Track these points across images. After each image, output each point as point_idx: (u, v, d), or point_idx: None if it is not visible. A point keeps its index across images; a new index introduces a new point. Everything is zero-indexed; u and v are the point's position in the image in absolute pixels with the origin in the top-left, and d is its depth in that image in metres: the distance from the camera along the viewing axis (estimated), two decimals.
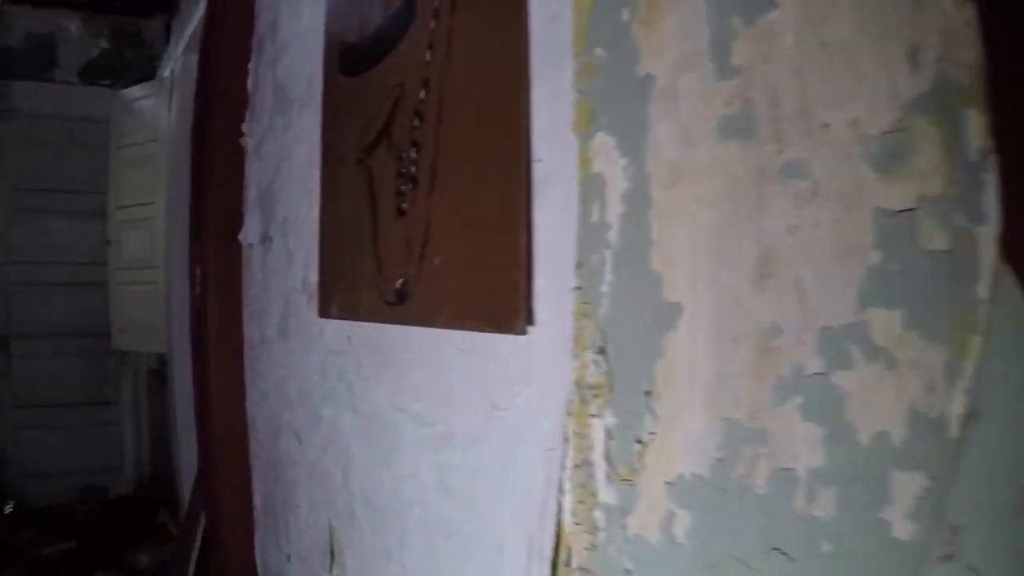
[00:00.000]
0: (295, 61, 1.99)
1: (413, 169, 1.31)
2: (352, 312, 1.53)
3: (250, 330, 2.29)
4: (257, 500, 2.37)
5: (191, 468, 3.60)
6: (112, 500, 5.15)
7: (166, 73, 4.42)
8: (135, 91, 4.47)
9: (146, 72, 4.95)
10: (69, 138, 5.03)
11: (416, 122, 1.32)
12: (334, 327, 1.65)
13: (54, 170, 4.97)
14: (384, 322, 1.40)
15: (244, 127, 2.39)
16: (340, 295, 1.58)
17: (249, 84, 2.40)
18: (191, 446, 3.58)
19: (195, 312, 2.40)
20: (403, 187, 1.34)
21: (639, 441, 0.90)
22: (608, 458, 0.96)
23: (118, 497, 5.19)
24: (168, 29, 4.78)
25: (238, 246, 2.34)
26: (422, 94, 1.31)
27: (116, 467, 5.26)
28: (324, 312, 1.65)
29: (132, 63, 5.19)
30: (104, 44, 5.23)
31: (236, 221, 2.34)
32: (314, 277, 1.73)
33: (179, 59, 4.03)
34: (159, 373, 4.78)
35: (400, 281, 1.32)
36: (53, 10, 5.01)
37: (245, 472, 2.43)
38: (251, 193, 2.29)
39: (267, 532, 2.33)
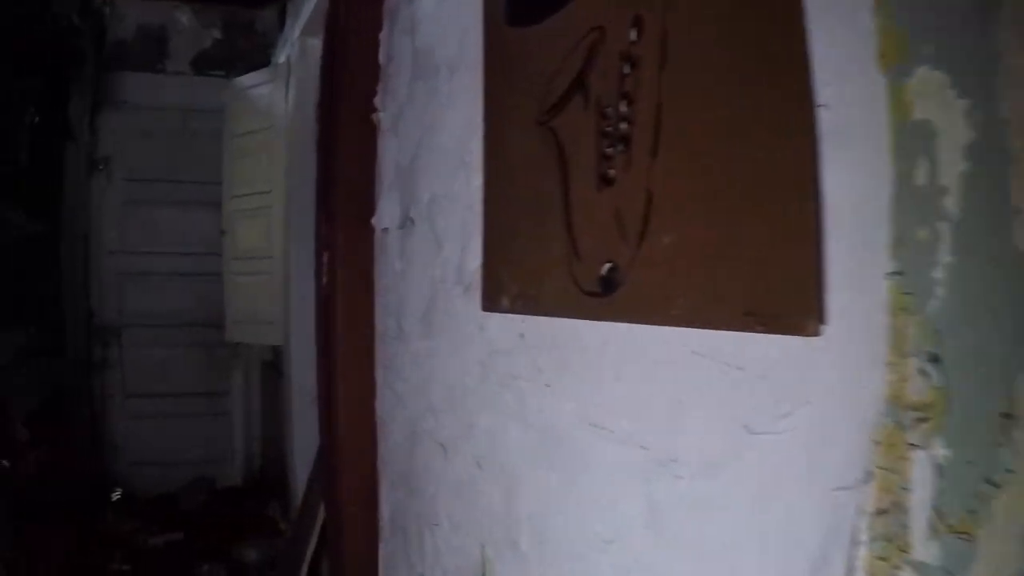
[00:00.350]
0: (441, 20, 1.76)
1: (624, 127, 1.04)
2: (530, 304, 1.27)
3: (384, 323, 2.08)
4: (385, 511, 2.16)
5: (305, 464, 3.46)
6: (220, 491, 5.12)
7: (281, 59, 4.31)
8: (249, 79, 4.37)
9: (259, 60, 4.88)
10: (182, 128, 5.02)
11: (626, 69, 1.06)
12: (500, 322, 1.40)
13: (167, 161, 4.97)
14: (580, 317, 1.14)
15: (376, 102, 2.18)
16: (513, 284, 1.32)
17: (381, 56, 2.19)
18: (305, 441, 3.46)
19: (322, 303, 2.21)
20: (609, 150, 1.07)
21: (989, 481, 0.63)
22: (935, 502, 0.69)
23: (226, 489, 5.16)
24: (282, 16, 4.68)
25: (370, 232, 2.14)
26: (633, 35, 1.04)
27: (225, 458, 5.23)
28: (489, 304, 1.40)
29: (245, 52, 5.14)
30: (216, 34, 5.21)
31: (368, 205, 2.14)
32: (473, 263, 1.49)
33: (295, 43, 3.89)
34: (273, 365, 4.70)
35: (607, 267, 1.05)
36: (164, 2, 5.01)
37: (372, 478, 2.23)
38: (386, 173, 2.08)
39: (395, 546, 2.12)
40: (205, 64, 5.18)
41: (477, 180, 1.47)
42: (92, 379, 4.85)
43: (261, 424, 5.19)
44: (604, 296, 1.06)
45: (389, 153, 2.08)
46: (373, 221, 2.11)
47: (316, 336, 2.33)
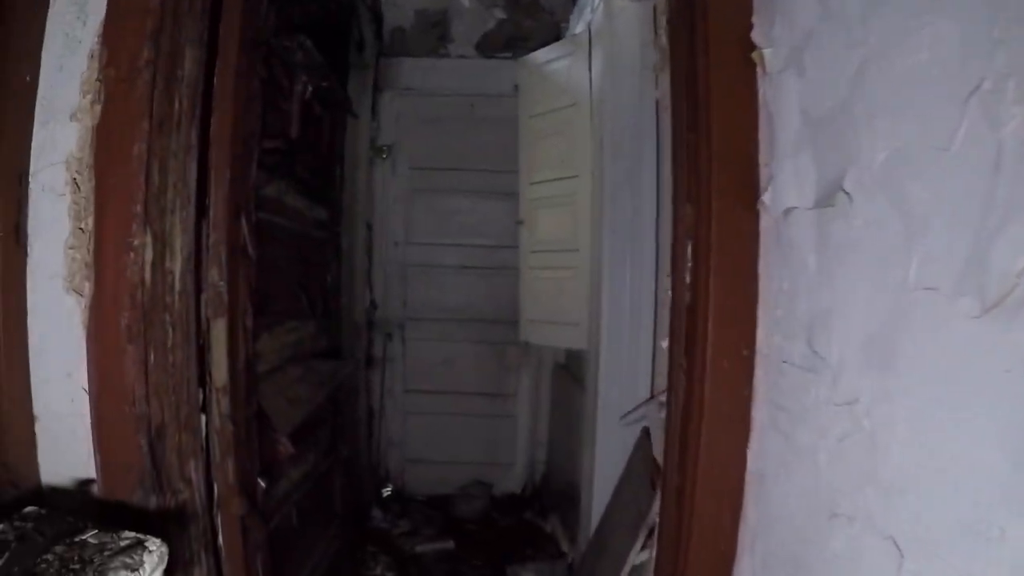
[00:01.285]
0: None
1: None
2: None
3: (775, 344, 1.49)
4: None
5: (604, 487, 2.98)
6: (497, 499, 4.85)
7: (578, 29, 3.86)
8: (544, 54, 3.96)
9: (546, 38, 4.51)
10: (468, 114, 4.78)
11: None
12: None
13: (453, 148, 4.76)
14: None
15: (756, 36, 1.58)
16: None
17: None
18: (607, 463, 3.00)
19: (684, 310, 1.65)
20: None
21: None
22: None
23: (504, 496, 4.88)
24: None
25: (753, 215, 1.55)
26: None
27: (506, 463, 4.94)
28: None
29: (531, 31, 4.82)
30: (499, 15, 4.91)
31: (748, 181, 1.55)
32: (1009, 259, 0.86)
33: (598, 8, 3.41)
34: (566, 368, 4.31)
35: None
36: None
37: (729, 547, 1.65)
38: (783, 130, 1.48)
39: None
40: (489, 46, 4.92)
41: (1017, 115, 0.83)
42: (372, 373, 4.76)
43: (548, 430, 4.83)
44: None
45: (786, 101, 1.47)
46: (764, 199, 1.51)
47: (670, 353, 1.79)
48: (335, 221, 2.98)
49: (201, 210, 1.66)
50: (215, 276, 1.70)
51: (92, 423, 1.58)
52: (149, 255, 1.53)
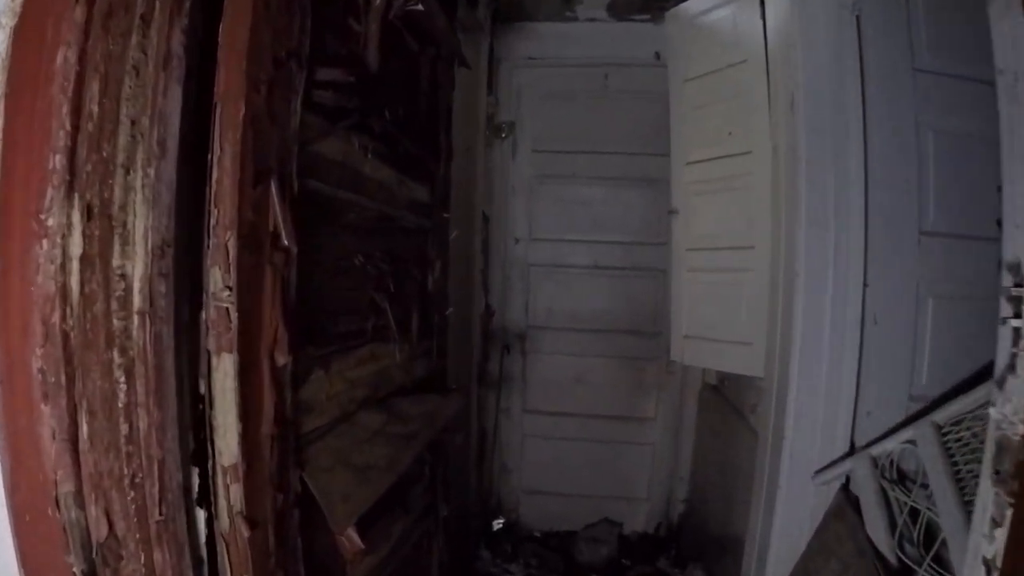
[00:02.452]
0: None
1: None
2: None
3: None
4: None
5: (782, 547, 2.37)
6: (626, 539, 4.09)
7: None
8: (697, 3, 3.13)
9: None
10: (601, 87, 4.01)
11: None
12: None
13: (584, 127, 4.01)
14: None
15: None
16: None
17: None
18: (789, 523, 2.35)
19: None
20: None
21: None
22: None
23: (635, 536, 4.12)
24: None
25: None
26: None
27: (638, 498, 4.21)
28: None
29: None
30: None
31: None
32: None
33: None
34: (721, 393, 3.46)
35: None
36: None
37: None
38: None
39: None
40: (624, 8, 4.11)
41: None
42: (485, 390, 4.05)
43: (692, 463, 4.00)
44: None
45: None
46: None
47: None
48: (440, 204, 2.26)
49: (192, 167, 0.97)
50: (218, 282, 1.00)
51: (13, 533, 0.93)
52: (76, 244, 0.84)
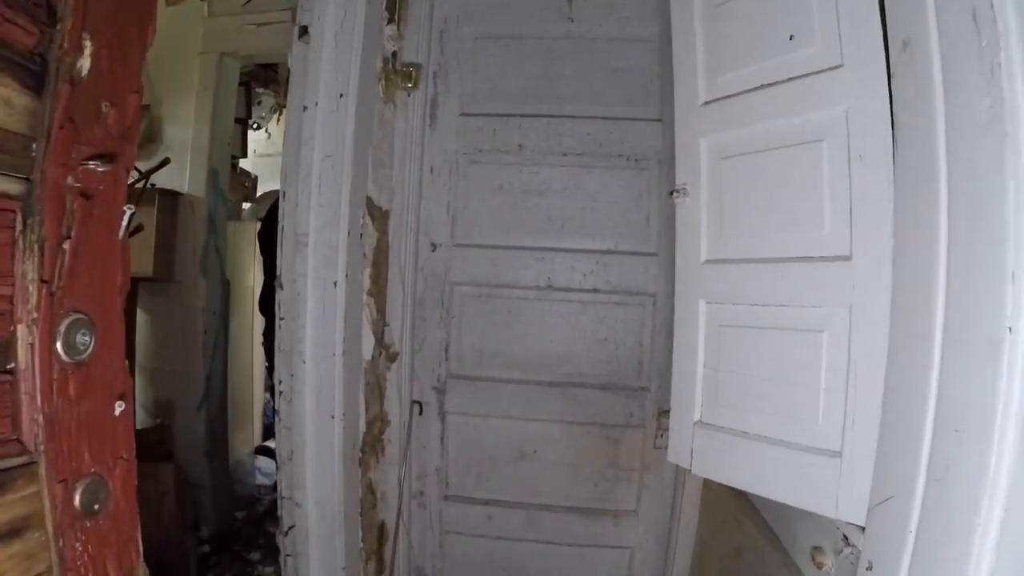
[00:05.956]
0: None
1: None
2: None
3: None
4: None
5: None
6: None
7: None
8: None
9: None
10: (562, 19, 2.70)
11: None
12: None
13: (537, 79, 2.70)
14: None
15: None
16: None
17: None
18: None
19: None
20: None
21: None
22: None
23: None
24: None
25: None
26: None
27: None
28: None
29: None
30: None
31: None
32: None
33: None
34: (742, 496, 2.14)
35: None
36: None
37: None
38: None
39: None
40: None
41: None
42: (384, 464, 2.70)
43: None
44: None
45: None
46: None
47: None
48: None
49: None
50: None
51: None
52: None
